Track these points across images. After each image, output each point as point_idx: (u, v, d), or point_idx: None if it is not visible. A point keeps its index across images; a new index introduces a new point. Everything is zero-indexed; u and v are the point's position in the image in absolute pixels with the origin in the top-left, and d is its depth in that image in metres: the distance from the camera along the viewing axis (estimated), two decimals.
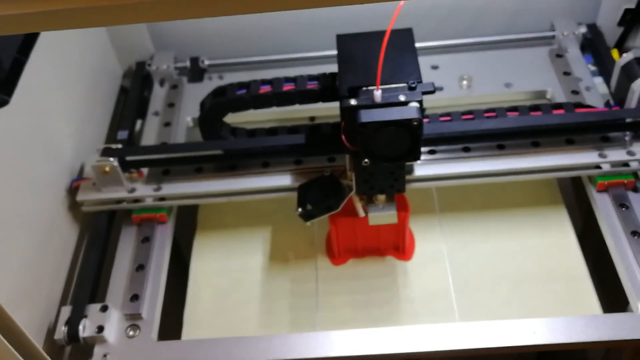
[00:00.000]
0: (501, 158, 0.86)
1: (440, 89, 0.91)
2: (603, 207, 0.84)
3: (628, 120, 0.85)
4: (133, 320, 0.78)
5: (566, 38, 1.05)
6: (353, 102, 0.69)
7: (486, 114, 0.86)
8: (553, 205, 0.91)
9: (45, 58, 0.84)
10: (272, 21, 1.08)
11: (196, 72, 1.08)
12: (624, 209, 0.83)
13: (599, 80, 0.99)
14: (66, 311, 0.77)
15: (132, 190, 0.88)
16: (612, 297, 0.82)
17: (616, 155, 0.85)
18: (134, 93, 1.06)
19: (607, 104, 0.94)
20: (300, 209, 0.79)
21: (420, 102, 0.68)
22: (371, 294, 0.84)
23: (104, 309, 0.77)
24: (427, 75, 0.98)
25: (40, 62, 0.81)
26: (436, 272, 0.85)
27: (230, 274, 0.88)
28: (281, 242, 0.90)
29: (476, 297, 0.82)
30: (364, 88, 0.70)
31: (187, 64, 1.08)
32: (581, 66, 1.01)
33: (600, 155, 0.85)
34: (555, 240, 0.87)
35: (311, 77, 0.80)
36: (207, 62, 1.09)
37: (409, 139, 0.68)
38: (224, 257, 0.90)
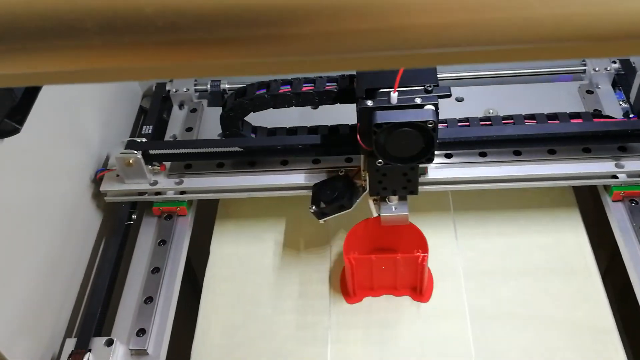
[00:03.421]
0: (517, 164, 0.85)
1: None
2: (618, 216, 0.84)
3: None
4: (138, 356, 0.76)
5: (597, 74, 1.01)
6: (369, 103, 0.69)
7: (504, 121, 0.87)
8: (576, 241, 0.88)
9: None
10: None
11: (216, 96, 1.06)
12: None
13: None
14: (70, 344, 0.76)
15: (155, 183, 0.89)
16: None
17: (633, 165, 0.84)
18: (152, 114, 1.04)
19: (626, 114, 0.93)
20: (314, 207, 0.81)
21: (436, 105, 0.69)
22: (384, 336, 0.81)
23: (109, 343, 0.75)
24: (451, 108, 0.96)
25: None
26: (454, 315, 0.82)
27: (240, 308, 0.85)
28: (295, 277, 0.88)
29: (495, 342, 0.79)
30: (381, 90, 0.70)
31: (208, 87, 1.06)
32: (612, 103, 0.97)
33: (617, 165, 0.85)
34: (581, 287, 0.83)
35: (330, 79, 0.81)
36: (227, 86, 1.07)
37: (424, 140, 0.69)
38: (235, 290, 0.87)
